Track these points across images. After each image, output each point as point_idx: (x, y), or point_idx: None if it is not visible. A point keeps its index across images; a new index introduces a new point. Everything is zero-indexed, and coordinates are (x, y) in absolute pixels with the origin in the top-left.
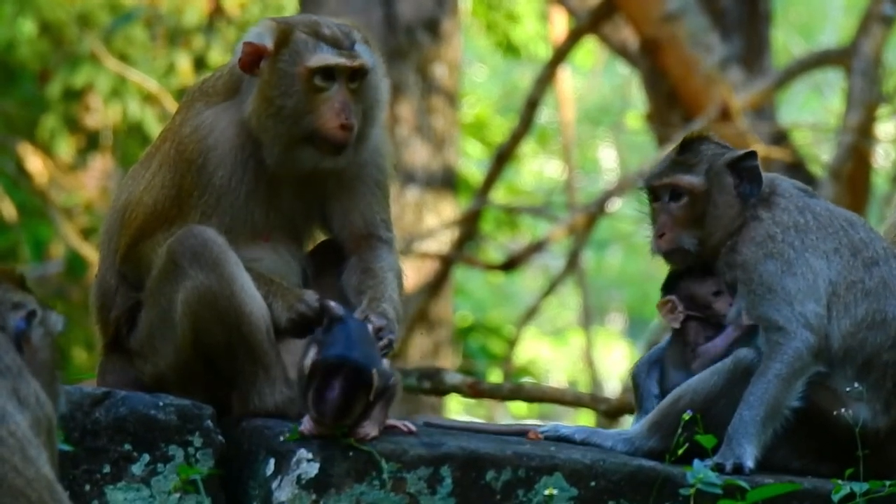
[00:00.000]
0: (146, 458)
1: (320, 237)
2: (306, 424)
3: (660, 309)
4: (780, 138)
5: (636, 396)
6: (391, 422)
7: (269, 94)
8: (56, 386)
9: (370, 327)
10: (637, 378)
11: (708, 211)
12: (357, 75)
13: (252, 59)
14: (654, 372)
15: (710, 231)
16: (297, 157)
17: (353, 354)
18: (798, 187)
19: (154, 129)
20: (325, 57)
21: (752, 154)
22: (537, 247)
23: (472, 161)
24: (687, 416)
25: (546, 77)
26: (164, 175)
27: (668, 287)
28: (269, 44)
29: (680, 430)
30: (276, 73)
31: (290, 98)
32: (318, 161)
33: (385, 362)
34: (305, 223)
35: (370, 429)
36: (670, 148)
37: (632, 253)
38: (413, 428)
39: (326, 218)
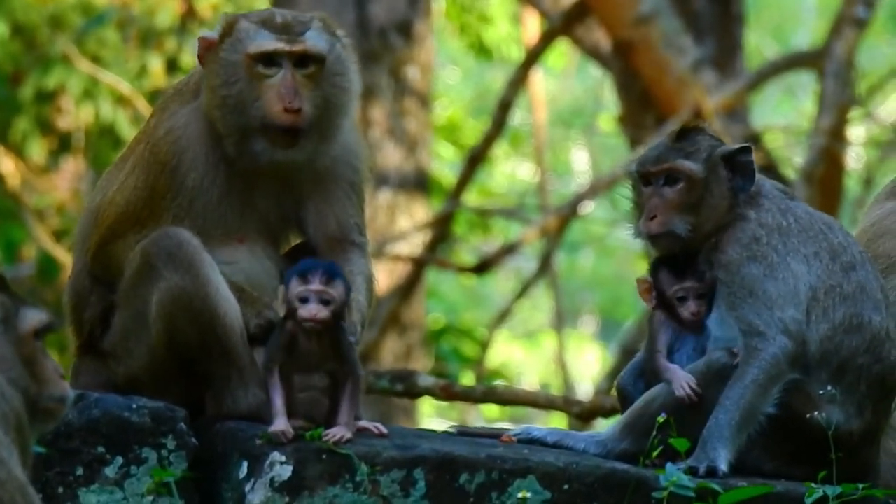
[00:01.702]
0: (119, 460)
1: (296, 239)
2: (277, 426)
3: (638, 285)
4: (753, 141)
5: (623, 408)
6: (362, 424)
7: (213, 85)
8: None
9: None
10: (623, 390)
11: (704, 199)
12: (307, 61)
13: (205, 52)
14: (639, 383)
15: (703, 219)
16: (254, 150)
17: None
18: (779, 188)
19: (126, 131)
20: (264, 43)
21: (748, 149)
22: (510, 249)
23: (444, 163)
24: (661, 419)
25: (518, 79)
26: (137, 176)
27: (654, 269)
28: (217, 36)
29: (654, 433)
30: (219, 63)
31: (232, 87)
32: (273, 152)
33: None
34: (281, 225)
35: (343, 431)
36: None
37: (604, 255)
38: (384, 430)
39: (301, 220)
